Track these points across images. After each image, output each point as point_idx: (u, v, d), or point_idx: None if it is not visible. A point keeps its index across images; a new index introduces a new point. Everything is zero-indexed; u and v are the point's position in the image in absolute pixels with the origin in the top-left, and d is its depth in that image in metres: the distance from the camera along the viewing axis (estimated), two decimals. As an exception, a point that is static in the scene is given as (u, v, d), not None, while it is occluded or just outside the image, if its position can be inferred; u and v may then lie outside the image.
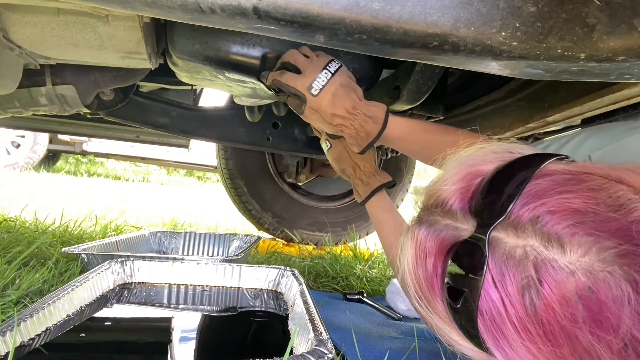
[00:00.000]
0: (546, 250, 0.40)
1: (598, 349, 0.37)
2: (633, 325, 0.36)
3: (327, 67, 0.82)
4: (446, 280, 0.45)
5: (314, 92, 0.82)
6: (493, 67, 0.52)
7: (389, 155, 1.71)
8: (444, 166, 0.52)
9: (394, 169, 2.08)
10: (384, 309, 1.08)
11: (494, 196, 0.44)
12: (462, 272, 0.43)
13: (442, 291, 0.46)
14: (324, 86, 0.82)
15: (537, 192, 0.43)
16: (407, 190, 2.16)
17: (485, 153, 0.49)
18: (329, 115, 0.83)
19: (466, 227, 0.45)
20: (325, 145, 0.98)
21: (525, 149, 0.49)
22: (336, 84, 0.82)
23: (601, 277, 0.37)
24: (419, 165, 2.32)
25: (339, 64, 0.84)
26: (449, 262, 0.45)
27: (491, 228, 0.42)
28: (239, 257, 1.16)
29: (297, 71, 0.83)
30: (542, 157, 0.46)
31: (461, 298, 0.43)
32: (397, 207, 2.14)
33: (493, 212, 0.43)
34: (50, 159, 6.68)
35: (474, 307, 0.42)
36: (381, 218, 0.93)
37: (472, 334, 0.44)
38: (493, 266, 0.41)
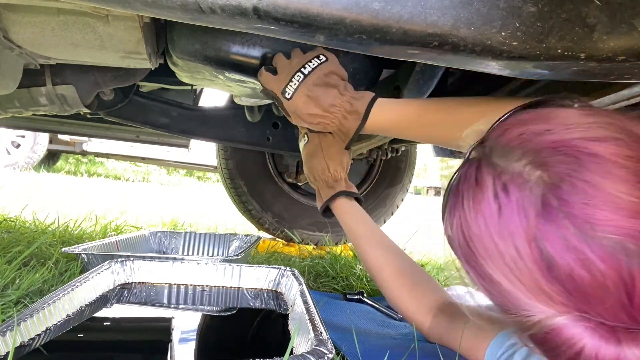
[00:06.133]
0: (494, 156, 0.45)
1: (509, 245, 0.42)
2: (541, 226, 0.40)
3: (302, 69, 0.82)
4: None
5: (287, 95, 0.82)
6: (493, 67, 0.52)
7: (389, 155, 1.71)
8: None
9: (393, 169, 2.08)
10: (384, 309, 1.08)
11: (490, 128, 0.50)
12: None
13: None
14: (296, 89, 0.81)
15: (517, 116, 0.48)
16: (407, 190, 2.16)
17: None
18: (306, 116, 0.83)
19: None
20: (302, 140, 0.96)
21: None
22: (309, 84, 0.81)
23: (522, 179, 0.42)
24: (419, 165, 2.32)
25: (317, 63, 0.82)
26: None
27: (470, 148, 0.50)
28: (239, 257, 1.16)
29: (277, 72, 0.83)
30: (555, 97, 0.49)
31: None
32: (397, 207, 2.13)
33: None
34: (50, 159, 6.68)
35: (447, 204, 0.51)
36: (352, 227, 0.90)
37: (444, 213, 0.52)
38: (461, 175, 0.49)
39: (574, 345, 0.40)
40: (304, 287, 0.81)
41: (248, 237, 1.52)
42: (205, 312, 0.85)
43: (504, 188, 0.43)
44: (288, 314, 0.81)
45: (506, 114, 0.50)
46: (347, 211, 0.91)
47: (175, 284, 0.94)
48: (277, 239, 2.07)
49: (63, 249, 1.07)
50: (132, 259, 0.93)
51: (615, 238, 0.37)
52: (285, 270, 0.94)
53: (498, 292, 0.45)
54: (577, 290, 0.39)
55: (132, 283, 0.92)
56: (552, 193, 0.40)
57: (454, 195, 0.49)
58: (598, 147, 0.40)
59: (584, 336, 0.40)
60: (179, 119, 1.49)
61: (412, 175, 2.17)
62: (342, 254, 1.69)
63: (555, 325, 0.41)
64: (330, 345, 0.53)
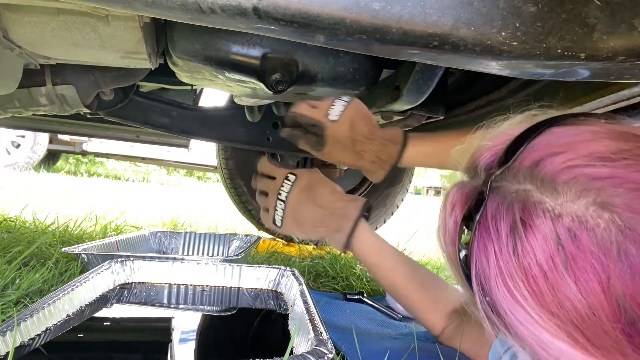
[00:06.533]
0: (538, 192, 0.38)
1: (581, 302, 0.35)
2: (620, 279, 0.34)
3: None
4: (461, 232, 0.45)
5: (332, 117, 0.85)
6: (493, 67, 0.52)
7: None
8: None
9: (393, 168, 2.08)
10: (384, 309, 1.08)
11: (510, 149, 0.43)
12: (470, 220, 0.43)
13: (456, 240, 0.46)
14: (342, 112, 0.84)
15: (548, 139, 0.41)
16: (407, 190, 2.16)
17: (532, 116, 0.47)
18: (350, 140, 0.85)
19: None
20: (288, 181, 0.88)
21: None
22: (353, 109, 0.85)
23: (590, 223, 0.35)
24: (419, 165, 2.32)
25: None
26: (464, 213, 0.44)
27: (493, 176, 0.42)
28: (239, 257, 1.16)
29: None
30: (579, 115, 0.43)
31: (465, 244, 0.43)
32: (397, 207, 2.13)
33: (502, 163, 0.42)
34: (50, 159, 6.68)
35: (470, 250, 0.42)
36: (373, 263, 0.83)
37: (469, 278, 0.43)
38: (488, 212, 0.41)
39: None
40: (304, 287, 0.81)
41: (248, 237, 1.51)
42: (205, 312, 0.85)
43: (571, 235, 0.36)
44: (288, 314, 0.81)
45: (528, 131, 0.42)
46: (372, 245, 0.83)
47: (175, 284, 0.94)
48: (277, 239, 2.07)
49: (63, 249, 1.07)
50: (132, 259, 0.93)
51: None
52: (285, 270, 0.94)
53: (552, 352, 0.38)
54: None
55: (132, 283, 0.92)
56: (630, 240, 0.34)
57: (486, 238, 0.41)
58: None
59: None
60: (179, 119, 1.49)
61: (412, 175, 2.17)
62: (342, 254, 1.69)
63: None
64: (330, 345, 0.53)
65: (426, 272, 0.85)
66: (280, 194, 0.84)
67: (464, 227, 0.44)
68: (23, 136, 5.62)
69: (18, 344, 0.56)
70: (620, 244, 0.35)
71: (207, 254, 1.52)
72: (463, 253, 0.44)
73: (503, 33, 0.45)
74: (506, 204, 0.40)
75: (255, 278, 0.95)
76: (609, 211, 0.35)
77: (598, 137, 0.39)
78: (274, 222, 0.86)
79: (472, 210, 0.43)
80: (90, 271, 0.83)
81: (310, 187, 0.84)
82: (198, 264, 0.95)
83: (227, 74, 0.88)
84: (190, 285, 0.94)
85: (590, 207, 0.36)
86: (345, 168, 1.87)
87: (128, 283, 0.91)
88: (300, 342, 0.62)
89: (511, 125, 0.47)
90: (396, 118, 1.08)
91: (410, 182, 2.17)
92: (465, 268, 0.44)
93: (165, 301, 0.88)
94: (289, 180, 0.84)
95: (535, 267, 0.37)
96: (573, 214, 0.36)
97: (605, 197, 0.36)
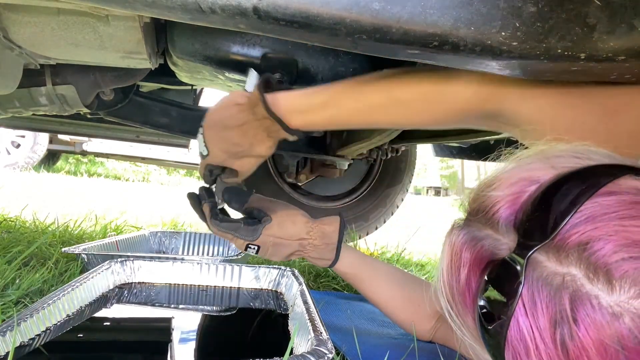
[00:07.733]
0: (589, 283, 0.34)
1: None
2: None
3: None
4: (480, 301, 0.41)
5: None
6: (493, 67, 0.52)
7: (389, 155, 1.71)
8: (499, 167, 0.45)
9: (393, 169, 2.08)
10: None
11: (543, 211, 0.38)
12: (496, 295, 0.39)
13: (474, 308, 0.42)
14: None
15: (593, 213, 0.36)
16: (407, 190, 2.16)
17: (547, 157, 0.43)
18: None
19: (506, 243, 0.40)
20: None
21: (600, 156, 0.41)
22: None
23: None
24: (418, 165, 2.32)
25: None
26: (484, 281, 0.40)
27: (532, 251, 0.37)
28: (239, 257, 1.16)
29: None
30: (614, 169, 0.38)
31: (493, 322, 0.39)
32: (397, 207, 2.13)
33: (538, 231, 0.37)
34: (50, 159, 6.68)
35: (503, 335, 0.38)
36: (363, 279, 0.82)
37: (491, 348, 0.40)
38: (526, 293, 0.36)
39: None
40: (304, 287, 0.81)
41: (248, 237, 1.51)
42: (205, 312, 0.85)
43: (634, 337, 0.32)
44: (288, 314, 0.81)
45: (563, 194, 0.38)
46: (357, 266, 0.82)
47: (175, 284, 0.94)
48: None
49: (63, 249, 1.07)
50: (132, 259, 0.93)
51: None
52: (285, 270, 0.94)
53: None
54: None
55: (132, 283, 0.92)
56: None
57: (521, 321, 0.36)
58: None
59: None
60: (179, 119, 1.49)
61: (412, 175, 2.16)
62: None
63: None
64: (330, 345, 0.53)
65: (406, 278, 0.84)
66: (249, 248, 0.78)
67: (487, 302, 0.40)
68: (23, 136, 5.62)
69: (18, 344, 0.56)
70: None
71: (207, 254, 1.52)
72: (491, 329, 0.40)
73: (503, 33, 0.45)
74: (549, 289, 0.35)
75: (255, 278, 0.95)
76: None
77: None
78: (247, 248, 0.79)
79: (497, 282, 0.39)
80: (90, 271, 0.83)
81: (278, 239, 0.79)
82: (198, 264, 0.95)
83: (227, 74, 0.88)
84: (190, 285, 0.94)
85: None
86: (345, 168, 1.87)
87: (128, 283, 0.91)
88: (300, 342, 0.62)
89: (527, 168, 0.43)
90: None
91: (410, 182, 2.17)
92: (488, 338, 0.40)
93: (165, 301, 0.88)
94: (252, 249, 0.79)
95: None
96: (634, 314, 0.32)
97: None
